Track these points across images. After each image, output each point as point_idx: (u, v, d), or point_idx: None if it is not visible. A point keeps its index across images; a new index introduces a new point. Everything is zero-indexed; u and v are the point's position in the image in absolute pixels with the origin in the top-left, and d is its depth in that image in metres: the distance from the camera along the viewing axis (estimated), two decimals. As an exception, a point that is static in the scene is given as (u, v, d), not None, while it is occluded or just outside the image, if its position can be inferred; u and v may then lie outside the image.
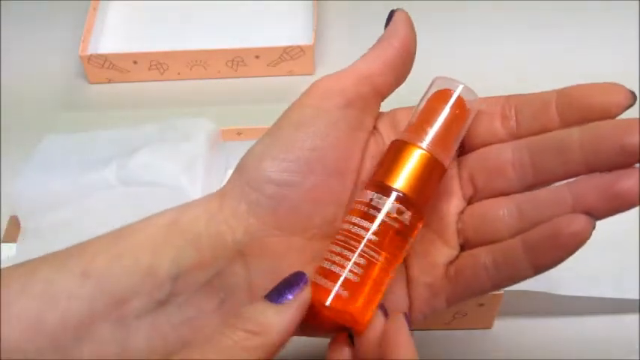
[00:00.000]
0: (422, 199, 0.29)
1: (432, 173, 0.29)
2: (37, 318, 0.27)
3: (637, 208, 0.48)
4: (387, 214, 0.29)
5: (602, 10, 0.66)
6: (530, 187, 0.30)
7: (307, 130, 0.29)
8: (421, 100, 0.31)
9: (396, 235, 0.29)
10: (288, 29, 0.64)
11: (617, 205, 0.27)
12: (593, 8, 0.66)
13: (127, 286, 0.28)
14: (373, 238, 0.29)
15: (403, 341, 0.28)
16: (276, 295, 0.27)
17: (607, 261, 0.46)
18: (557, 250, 0.27)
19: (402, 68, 0.31)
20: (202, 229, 0.29)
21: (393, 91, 0.31)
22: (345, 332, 0.30)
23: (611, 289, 0.46)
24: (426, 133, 0.30)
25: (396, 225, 0.29)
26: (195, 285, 0.29)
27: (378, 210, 0.29)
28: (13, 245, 0.48)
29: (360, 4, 0.66)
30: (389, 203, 0.29)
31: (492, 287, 0.30)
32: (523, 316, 0.48)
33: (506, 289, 0.44)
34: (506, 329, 0.47)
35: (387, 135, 0.32)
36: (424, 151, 0.29)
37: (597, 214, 0.27)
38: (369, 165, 0.31)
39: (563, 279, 0.45)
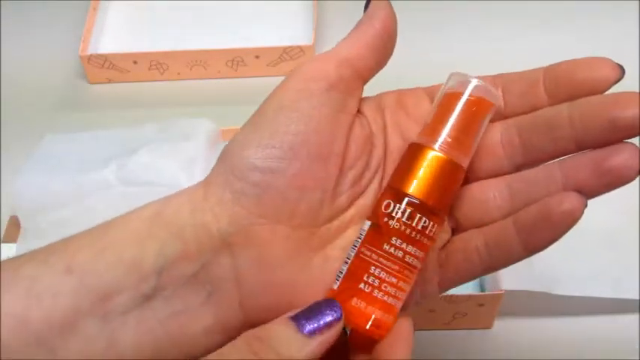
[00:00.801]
0: (446, 207, 0.29)
1: (455, 179, 0.29)
2: (21, 316, 0.27)
3: (637, 209, 0.49)
4: (428, 237, 0.29)
5: (603, 8, 0.66)
6: (521, 167, 0.30)
7: (290, 114, 0.29)
8: (438, 98, 0.30)
9: (429, 252, 0.29)
10: (288, 29, 0.64)
11: (608, 182, 0.27)
12: (594, 5, 0.66)
13: (111, 281, 0.27)
14: (418, 264, 0.29)
15: (401, 342, 0.28)
16: (303, 320, 0.27)
17: (607, 261, 0.46)
18: (549, 230, 0.27)
19: (383, 50, 0.30)
20: (187, 220, 0.28)
21: (374, 74, 0.31)
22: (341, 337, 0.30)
23: (610, 289, 0.46)
24: (444, 135, 0.29)
25: (431, 243, 0.29)
26: (181, 278, 0.28)
27: (429, 237, 0.29)
28: (13, 245, 0.48)
29: (360, 4, 0.66)
30: (437, 230, 0.29)
31: (484, 270, 0.30)
32: (523, 316, 0.48)
33: (507, 289, 0.44)
34: (506, 329, 0.47)
35: (373, 119, 0.31)
36: (460, 166, 0.29)
37: (589, 191, 0.27)
38: (354, 148, 0.30)
39: (563, 279, 0.45)
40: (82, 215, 0.47)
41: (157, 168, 0.49)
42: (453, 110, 0.29)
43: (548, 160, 0.29)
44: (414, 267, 0.29)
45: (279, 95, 0.29)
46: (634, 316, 0.47)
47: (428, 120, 0.30)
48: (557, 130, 0.28)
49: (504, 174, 0.30)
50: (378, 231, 0.29)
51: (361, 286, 0.28)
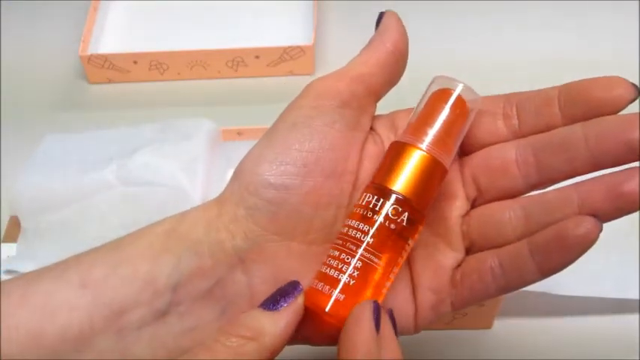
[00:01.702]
0: (422, 200, 0.29)
1: (432, 174, 0.29)
2: (36, 330, 0.27)
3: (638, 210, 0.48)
4: (386, 217, 0.28)
5: (603, 7, 0.66)
6: (536, 187, 0.30)
7: (304, 131, 0.29)
8: (421, 100, 0.31)
9: (395, 238, 0.29)
10: (288, 29, 0.64)
11: (622, 206, 0.27)
12: (594, 5, 0.66)
13: (126, 296, 0.28)
14: (372, 241, 0.28)
15: (361, 338, 0.26)
16: (270, 302, 0.28)
17: (607, 261, 0.46)
18: (564, 253, 0.27)
19: (395, 68, 0.31)
20: (201, 236, 0.29)
21: (387, 91, 0.31)
22: None
23: (611, 289, 0.46)
24: (425, 133, 0.29)
25: (396, 228, 0.29)
26: (195, 294, 0.28)
27: (377, 213, 0.28)
28: (13, 245, 0.48)
29: (360, 4, 0.66)
30: (387, 206, 0.29)
31: (498, 291, 0.29)
32: (523, 316, 0.48)
33: (507, 289, 0.44)
34: (506, 329, 0.47)
35: (387, 136, 0.32)
36: (423, 152, 0.29)
37: (604, 215, 0.27)
38: (367, 165, 0.30)
39: (563, 279, 0.45)
40: (83, 215, 0.47)
41: (157, 168, 0.49)
42: (435, 111, 0.30)
43: (563, 180, 0.29)
44: (358, 240, 0.28)
45: (292, 113, 0.30)
46: (634, 316, 0.47)
47: (412, 120, 0.30)
48: (572, 150, 0.28)
49: (519, 193, 0.30)
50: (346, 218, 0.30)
51: (321, 268, 0.29)
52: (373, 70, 0.30)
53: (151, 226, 0.30)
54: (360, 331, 0.26)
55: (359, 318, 0.26)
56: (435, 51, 0.62)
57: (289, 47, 0.60)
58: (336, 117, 0.29)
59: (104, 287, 0.28)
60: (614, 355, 0.46)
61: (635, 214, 0.49)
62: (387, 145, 0.31)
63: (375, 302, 0.27)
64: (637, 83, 0.28)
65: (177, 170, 0.49)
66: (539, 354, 0.46)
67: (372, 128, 0.31)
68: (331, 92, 0.30)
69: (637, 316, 0.47)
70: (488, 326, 0.47)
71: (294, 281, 0.28)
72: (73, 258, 0.29)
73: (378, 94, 0.31)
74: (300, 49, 0.60)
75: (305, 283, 0.29)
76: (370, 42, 0.31)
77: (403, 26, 0.31)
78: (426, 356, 0.46)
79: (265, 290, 0.29)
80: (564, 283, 0.45)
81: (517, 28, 0.65)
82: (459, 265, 0.30)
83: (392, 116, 0.32)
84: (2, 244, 0.48)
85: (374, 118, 0.32)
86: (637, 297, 0.46)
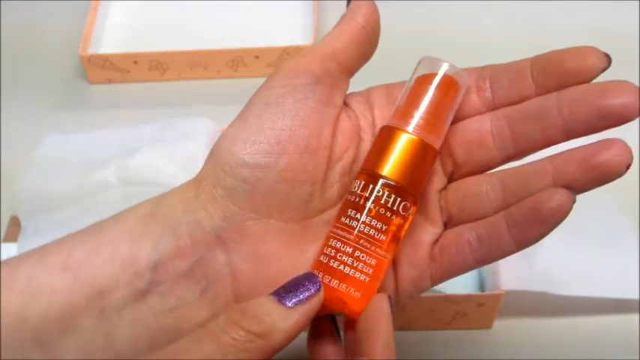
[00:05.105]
0: (416, 186, 0.30)
1: (425, 158, 0.29)
2: (19, 314, 0.27)
3: (637, 209, 0.49)
4: (392, 211, 0.29)
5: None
6: (511, 158, 0.30)
7: (276, 109, 0.29)
8: (409, 82, 0.31)
9: (394, 227, 0.29)
10: (288, 29, 0.64)
11: (596, 177, 0.27)
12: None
13: (106, 277, 0.28)
14: (381, 237, 0.29)
15: (381, 338, 0.27)
16: (284, 294, 0.27)
17: (607, 261, 0.46)
18: (538, 226, 0.28)
19: (366, 43, 0.31)
20: (180, 217, 0.29)
21: (360, 67, 0.31)
22: (329, 323, 0.30)
23: (611, 289, 0.46)
24: (414, 117, 0.29)
25: (399, 220, 0.29)
26: (175, 273, 0.29)
27: (386, 208, 0.29)
28: (13, 245, 0.48)
29: (360, 4, 0.66)
30: (395, 200, 0.29)
31: (476, 264, 0.30)
32: (523, 316, 0.48)
33: (507, 289, 0.44)
34: (506, 329, 0.47)
35: (361, 112, 0.32)
36: (413, 136, 0.29)
37: (578, 186, 0.28)
38: (341, 141, 0.30)
39: (563, 279, 0.46)
40: (83, 215, 0.48)
41: (157, 168, 0.49)
42: (424, 93, 0.30)
43: (538, 150, 0.30)
44: (372, 237, 0.29)
45: (265, 92, 0.30)
46: (634, 316, 0.47)
47: (400, 103, 0.30)
48: (546, 119, 0.29)
49: (495, 165, 0.31)
50: (341, 207, 0.30)
51: (320, 258, 0.29)
52: (345, 45, 0.30)
53: (129, 210, 0.30)
54: (383, 327, 0.28)
55: (379, 315, 0.28)
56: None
57: (289, 47, 0.60)
58: (307, 94, 0.29)
59: (85, 268, 0.28)
60: (614, 355, 0.46)
61: (636, 215, 0.49)
62: (361, 120, 0.31)
63: (390, 297, 0.28)
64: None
65: (177, 170, 0.49)
66: (539, 354, 0.46)
67: (346, 104, 0.32)
68: (302, 70, 0.30)
69: (637, 316, 0.47)
70: (489, 326, 0.47)
71: (312, 274, 0.28)
72: (53, 242, 0.29)
73: (350, 69, 0.31)
74: (300, 50, 0.60)
75: (285, 261, 0.29)
76: (342, 18, 0.31)
77: (374, 1, 0.31)
78: (426, 356, 0.46)
79: (246, 269, 0.29)
80: (564, 283, 0.45)
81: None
82: (437, 240, 0.31)
83: (367, 93, 0.33)
84: (2, 244, 0.48)
85: (349, 94, 0.32)
86: (637, 297, 0.46)
